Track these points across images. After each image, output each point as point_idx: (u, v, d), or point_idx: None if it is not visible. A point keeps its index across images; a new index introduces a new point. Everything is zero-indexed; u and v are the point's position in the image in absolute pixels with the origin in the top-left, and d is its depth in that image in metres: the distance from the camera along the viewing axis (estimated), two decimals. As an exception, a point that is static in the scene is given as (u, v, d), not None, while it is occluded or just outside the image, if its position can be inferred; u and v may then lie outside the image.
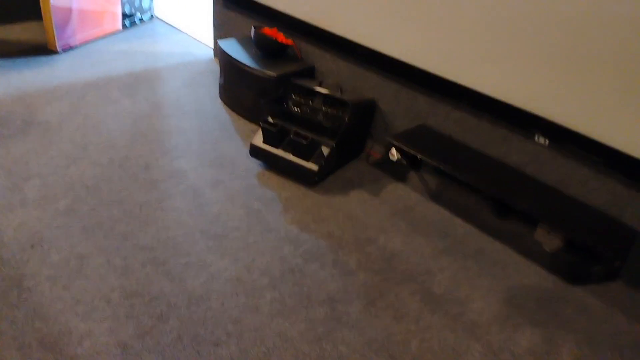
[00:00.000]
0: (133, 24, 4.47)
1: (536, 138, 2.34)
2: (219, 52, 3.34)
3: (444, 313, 2.00)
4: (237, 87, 3.22)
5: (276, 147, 2.69)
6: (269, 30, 3.24)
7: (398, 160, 2.64)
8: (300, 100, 2.87)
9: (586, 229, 2.19)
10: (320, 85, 2.86)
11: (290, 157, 2.64)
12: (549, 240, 2.32)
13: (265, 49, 3.23)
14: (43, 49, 3.71)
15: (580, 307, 2.13)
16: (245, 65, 3.05)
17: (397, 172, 2.88)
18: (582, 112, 2.17)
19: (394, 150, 2.64)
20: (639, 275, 2.25)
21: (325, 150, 2.63)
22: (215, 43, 4.05)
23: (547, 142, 2.32)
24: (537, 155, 2.40)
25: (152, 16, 4.69)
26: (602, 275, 2.29)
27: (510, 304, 2.09)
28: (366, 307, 1.98)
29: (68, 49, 3.78)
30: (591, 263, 2.28)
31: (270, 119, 2.73)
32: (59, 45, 3.69)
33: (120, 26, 4.29)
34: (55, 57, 3.66)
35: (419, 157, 2.53)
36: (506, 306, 2.08)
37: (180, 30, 4.58)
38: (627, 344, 1.98)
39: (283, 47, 3.23)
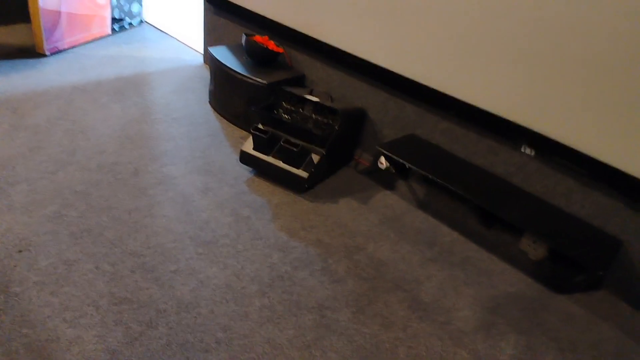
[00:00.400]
0: (122, 28, 4.46)
1: (522, 149, 2.39)
2: (209, 59, 3.35)
3: (431, 321, 2.03)
4: (227, 93, 3.23)
5: (266, 153, 2.70)
6: (260, 38, 3.26)
7: (387, 168, 2.67)
8: (290, 108, 2.89)
9: (570, 239, 2.23)
10: (310, 93, 2.89)
11: (280, 164, 2.66)
12: (534, 249, 2.36)
13: (256, 57, 3.25)
14: (31, 52, 3.69)
15: (564, 316, 2.17)
16: (235, 72, 3.07)
17: (385, 181, 2.91)
18: (568, 123, 2.22)
19: (382, 159, 2.67)
20: (621, 284, 2.30)
21: (315, 158, 2.65)
22: (206, 49, 4.06)
23: (533, 153, 2.36)
24: (523, 166, 2.45)
25: (141, 21, 4.69)
26: (585, 284, 2.34)
27: (495, 312, 2.12)
28: (355, 314, 1.99)
29: (56, 52, 3.76)
30: (575, 272, 2.33)
31: (260, 126, 2.74)
32: (47, 49, 3.67)
33: (109, 30, 4.28)
34: (43, 60, 3.64)
35: (407, 165, 2.56)
36: (492, 314, 2.11)
37: (170, 36, 4.58)
38: (610, 352, 2.02)
39: (274, 55, 3.25)
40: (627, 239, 2.22)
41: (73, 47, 3.92)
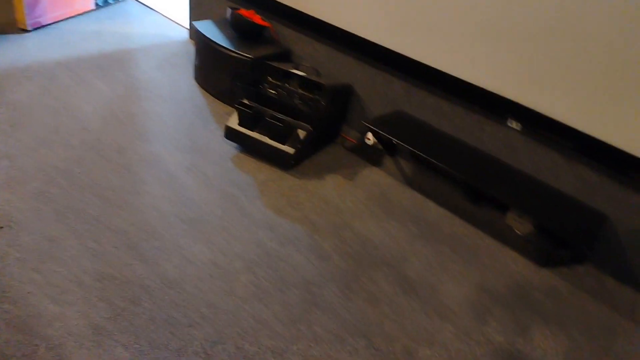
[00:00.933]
0: (106, 3, 4.35)
1: (509, 122, 2.38)
2: (194, 34, 3.28)
3: (417, 297, 2.03)
4: (212, 69, 3.18)
5: (252, 129, 2.67)
6: (245, 12, 3.19)
7: (374, 144, 2.65)
8: (276, 83, 2.85)
9: (555, 214, 2.24)
10: (296, 68, 2.84)
11: (266, 139, 2.63)
12: (520, 224, 2.37)
13: (241, 31, 3.19)
14: (12, 27, 3.59)
15: (549, 290, 2.18)
16: (221, 46, 3.01)
17: (372, 157, 2.89)
18: (553, 96, 2.21)
19: (369, 135, 2.65)
20: (606, 257, 2.31)
21: (302, 134, 2.62)
22: (191, 24, 3.98)
23: (519, 127, 2.35)
24: (510, 141, 2.44)
25: (126, -4, 4.57)
26: (570, 258, 2.36)
27: (482, 287, 2.14)
28: (341, 290, 1.99)
29: (38, 27, 3.67)
30: (560, 247, 2.34)
31: (246, 101, 2.71)
32: (29, 24, 3.57)
33: (93, 5, 4.17)
34: (25, 35, 3.55)
35: (394, 141, 2.54)
36: (478, 289, 2.12)
37: (154, 11, 4.48)
38: (594, 324, 2.05)
39: (260, 29, 3.19)
40: (612, 213, 2.23)
41: (56, 22, 3.82)
